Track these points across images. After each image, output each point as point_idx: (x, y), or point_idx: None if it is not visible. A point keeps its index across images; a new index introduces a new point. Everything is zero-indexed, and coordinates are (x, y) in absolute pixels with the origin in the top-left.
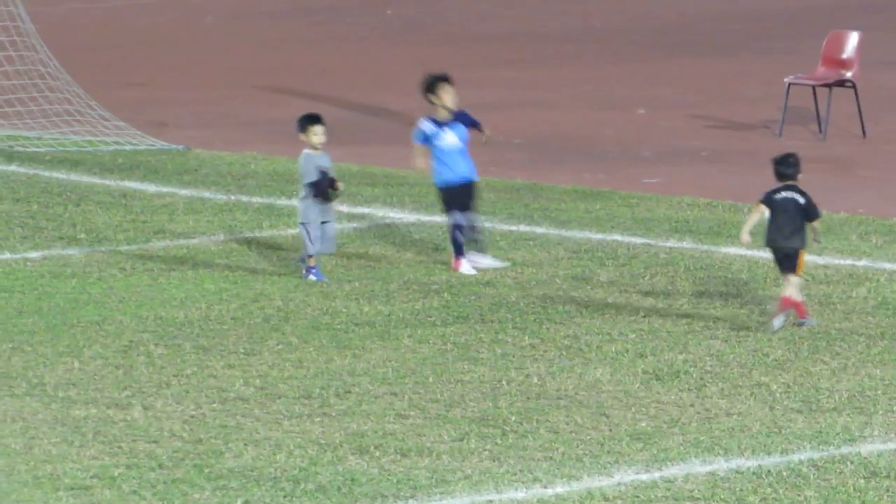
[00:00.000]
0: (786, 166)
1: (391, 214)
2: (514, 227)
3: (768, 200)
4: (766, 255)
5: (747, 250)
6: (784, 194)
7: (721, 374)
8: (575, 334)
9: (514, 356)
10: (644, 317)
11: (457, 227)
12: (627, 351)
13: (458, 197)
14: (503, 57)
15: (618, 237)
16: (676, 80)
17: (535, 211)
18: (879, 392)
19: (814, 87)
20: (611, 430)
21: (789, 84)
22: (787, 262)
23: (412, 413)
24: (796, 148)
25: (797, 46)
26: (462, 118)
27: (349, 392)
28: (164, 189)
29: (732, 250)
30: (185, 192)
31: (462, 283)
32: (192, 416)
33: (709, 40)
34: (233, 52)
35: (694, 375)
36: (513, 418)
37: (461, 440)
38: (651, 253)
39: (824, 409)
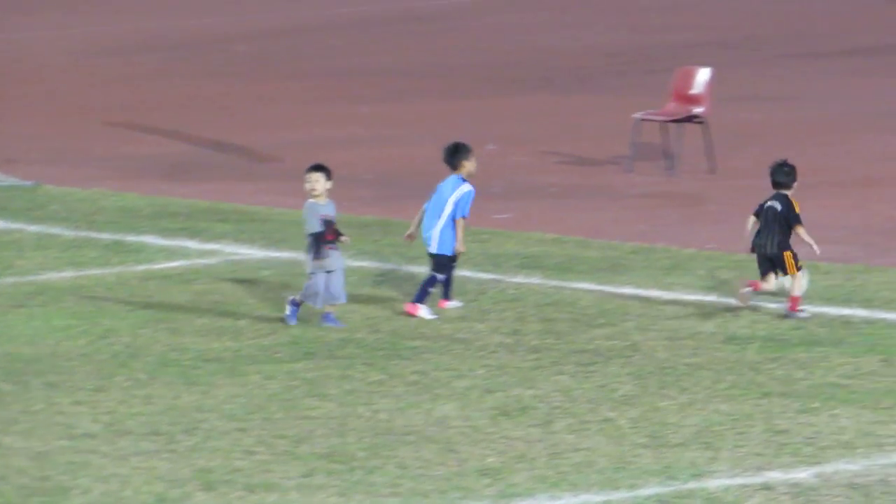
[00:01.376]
0: (778, 174)
1: (240, 251)
2: (363, 264)
3: (758, 209)
4: (614, 289)
5: (596, 285)
6: (769, 203)
7: (569, 409)
8: (423, 370)
9: (362, 392)
10: (492, 352)
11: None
12: (475, 386)
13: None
14: (354, 93)
15: (467, 273)
16: (526, 115)
17: (384, 247)
18: (726, 427)
19: (663, 123)
20: (459, 466)
21: (639, 119)
22: (778, 266)
23: (260, 449)
24: (646, 184)
25: (646, 82)
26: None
27: (197, 428)
28: (13, 225)
29: (581, 285)
30: (33, 228)
31: (309, 320)
32: (40, 453)
33: (558, 76)
34: (83, 88)
35: (542, 411)
36: (360, 454)
37: (309, 476)
38: (500, 288)
39: (671, 445)
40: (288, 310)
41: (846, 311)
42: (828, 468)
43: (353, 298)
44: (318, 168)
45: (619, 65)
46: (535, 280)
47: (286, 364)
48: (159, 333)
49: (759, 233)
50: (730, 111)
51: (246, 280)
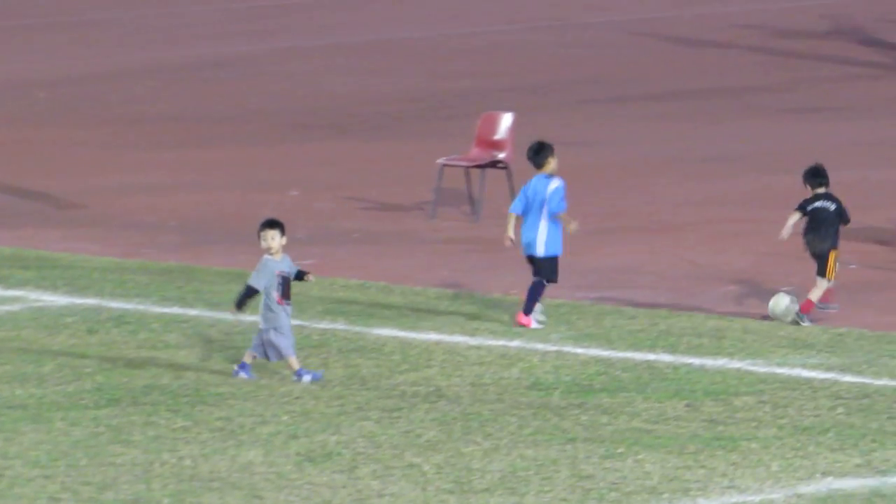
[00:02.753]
0: (821, 176)
1: (43, 297)
2: (166, 310)
3: (802, 208)
4: (419, 335)
5: (400, 331)
6: (819, 203)
7: (373, 455)
8: (228, 416)
9: (166, 438)
10: (297, 398)
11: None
12: (280, 433)
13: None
14: (157, 139)
15: None
16: (330, 161)
17: (187, 293)
18: (532, 472)
19: (467, 169)
20: None
21: (442, 165)
22: (819, 263)
23: (64, 496)
24: (450, 230)
25: (449, 127)
26: None
27: (1, 476)
28: None
29: (385, 331)
30: None
31: (114, 367)
32: None
33: (360, 122)
34: None
35: (346, 457)
36: (165, 501)
37: None
38: (304, 334)
39: (476, 490)
40: (243, 373)
41: (651, 357)
42: None
43: (157, 345)
44: (272, 224)
45: (421, 110)
46: (339, 325)
47: (91, 410)
48: None
49: (809, 231)
50: None
51: (49, 327)
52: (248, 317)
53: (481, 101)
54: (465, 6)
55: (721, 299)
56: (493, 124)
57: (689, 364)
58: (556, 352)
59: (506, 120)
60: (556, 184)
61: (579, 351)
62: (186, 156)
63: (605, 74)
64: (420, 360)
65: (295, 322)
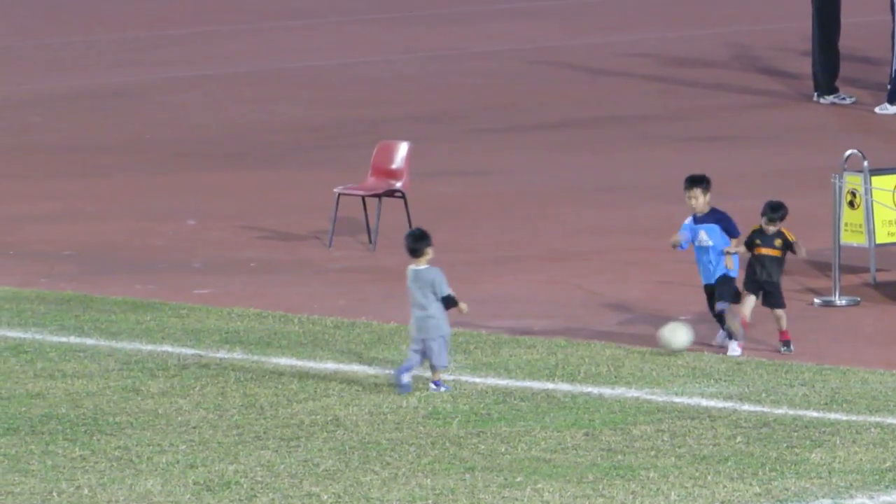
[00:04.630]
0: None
1: None
2: (64, 339)
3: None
4: (316, 364)
5: (297, 360)
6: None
7: (271, 484)
8: (126, 445)
9: (64, 468)
10: (194, 427)
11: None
12: (178, 462)
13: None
14: (52, 169)
15: (168, 348)
16: (226, 191)
17: (85, 322)
18: (430, 502)
19: (363, 198)
20: None
21: (339, 194)
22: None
23: None
24: (347, 259)
25: (346, 156)
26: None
27: None
28: None
29: (283, 361)
30: None
31: (11, 396)
32: None
33: (257, 151)
34: None
35: (245, 486)
36: None
37: None
38: (201, 363)
39: None
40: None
41: (549, 386)
42: None
43: (55, 374)
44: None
45: (318, 139)
46: (236, 355)
47: None
48: None
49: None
50: (429, 185)
51: None
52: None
53: (379, 130)
54: (362, 36)
55: (618, 328)
56: (389, 153)
57: (588, 393)
58: (454, 381)
59: (402, 149)
60: (723, 214)
61: (477, 380)
62: (81, 185)
63: (502, 103)
64: (318, 389)
65: (192, 351)
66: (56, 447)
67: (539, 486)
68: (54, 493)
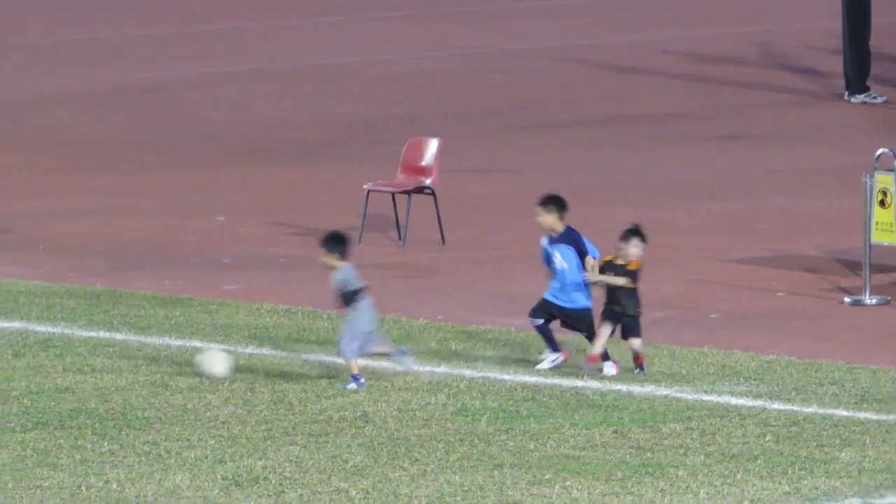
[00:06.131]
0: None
1: None
2: (93, 334)
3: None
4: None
5: (326, 356)
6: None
7: (300, 480)
8: (154, 440)
9: (93, 462)
10: (223, 423)
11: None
12: (207, 457)
13: None
14: (82, 164)
15: (197, 343)
16: (256, 187)
17: (114, 317)
18: (458, 498)
19: (393, 194)
20: None
21: (368, 191)
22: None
23: None
24: (376, 255)
25: (375, 153)
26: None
27: None
28: None
29: (312, 357)
30: None
31: (40, 390)
32: None
33: (287, 147)
34: None
35: (273, 482)
36: None
37: None
38: (231, 358)
39: None
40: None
41: (578, 383)
42: None
43: (84, 368)
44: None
45: (347, 136)
46: (265, 351)
47: (17, 434)
48: None
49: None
50: (459, 182)
51: None
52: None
53: (408, 127)
54: (392, 33)
55: (649, 326)
56: (419, 150)
57: (617, 391)
58: (483, 378)
59: (432, 146)
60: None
61: (506, 377)
62: (111, 181)
63: (532, 101)
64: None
65: (221, 346)
66: (85, 442)
67: (568, 483)
68: (83, 488)
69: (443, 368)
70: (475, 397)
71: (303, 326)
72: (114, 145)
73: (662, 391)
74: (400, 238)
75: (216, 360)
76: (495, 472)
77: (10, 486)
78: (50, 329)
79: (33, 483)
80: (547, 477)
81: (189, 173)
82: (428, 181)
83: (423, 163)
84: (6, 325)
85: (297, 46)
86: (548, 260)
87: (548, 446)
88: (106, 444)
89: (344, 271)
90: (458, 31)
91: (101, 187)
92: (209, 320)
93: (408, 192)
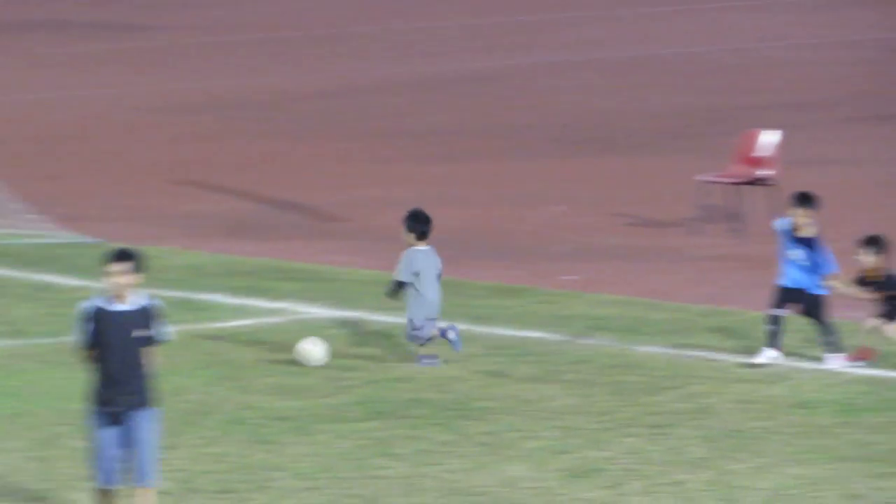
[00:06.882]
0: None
1: (308, 310)
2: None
3: None
4: (682, 352)
5: (665, 348)
6: None
7: (639, 471)
8: (492, 431)
9: (431, 452)
10: (562, 414)
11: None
12: (545, 448)
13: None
14: (422, 153)
15: (535, 334)
16: (592, 177)
17: (453, 307)
18: (800, 491)
19: (729, 186)
20: None
21: (703, 182)
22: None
23: None
24: (712, 246)
25: (707, 144)
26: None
27: (268, 486)
28: (81, 282)
29: (650, 348)
30: (100, 285)
31: (379, 380)
32: None
33: (623, 138)
34: (146, 146)
35: (612, 473)
36: None
37: None
38: (569, 350)
39: None
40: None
41: None
42: None
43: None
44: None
45: (683, 127)
46: (603, 342)
47: (356, 423)
48: (229, 392)
49: None
50: (792, 174)
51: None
52: None
53: (742, 118)
54: (727, 23)
55: None
56: (753, 141)
57: None
58: (822, 371)
59: (768, 137)
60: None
61: (846, 370)
62: (448, 169)
63: (872, 92)
64: (685, 377)
65: (559, 337)
66: (423, 431)
67: None
68: (422, 478)
69: (781, 361)
70: (814, 390)
71: (641, 317)
72: (449, 134)
73: None
74: (736, 230)
75: (313, 350)
76: (837, 465)
77: (349, 475)
78: (387, 318)
79: (371, 473)
80: (892, 471)
81: (525, 162)
82: (762, 172)
83: (757, 154)
84: (344, 313)
85: (629, 37)
86: None
87: (892, 439)
88: (444, 434)
89: (412, 252)
90: (796, 21)
91: (439, 176)
92: (547, 311)
93: (742, 184)
